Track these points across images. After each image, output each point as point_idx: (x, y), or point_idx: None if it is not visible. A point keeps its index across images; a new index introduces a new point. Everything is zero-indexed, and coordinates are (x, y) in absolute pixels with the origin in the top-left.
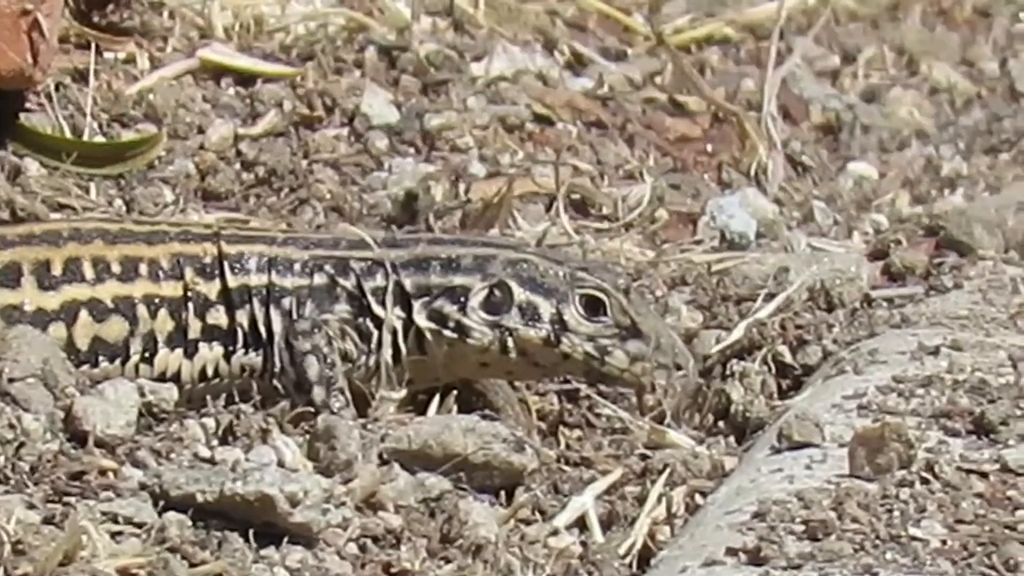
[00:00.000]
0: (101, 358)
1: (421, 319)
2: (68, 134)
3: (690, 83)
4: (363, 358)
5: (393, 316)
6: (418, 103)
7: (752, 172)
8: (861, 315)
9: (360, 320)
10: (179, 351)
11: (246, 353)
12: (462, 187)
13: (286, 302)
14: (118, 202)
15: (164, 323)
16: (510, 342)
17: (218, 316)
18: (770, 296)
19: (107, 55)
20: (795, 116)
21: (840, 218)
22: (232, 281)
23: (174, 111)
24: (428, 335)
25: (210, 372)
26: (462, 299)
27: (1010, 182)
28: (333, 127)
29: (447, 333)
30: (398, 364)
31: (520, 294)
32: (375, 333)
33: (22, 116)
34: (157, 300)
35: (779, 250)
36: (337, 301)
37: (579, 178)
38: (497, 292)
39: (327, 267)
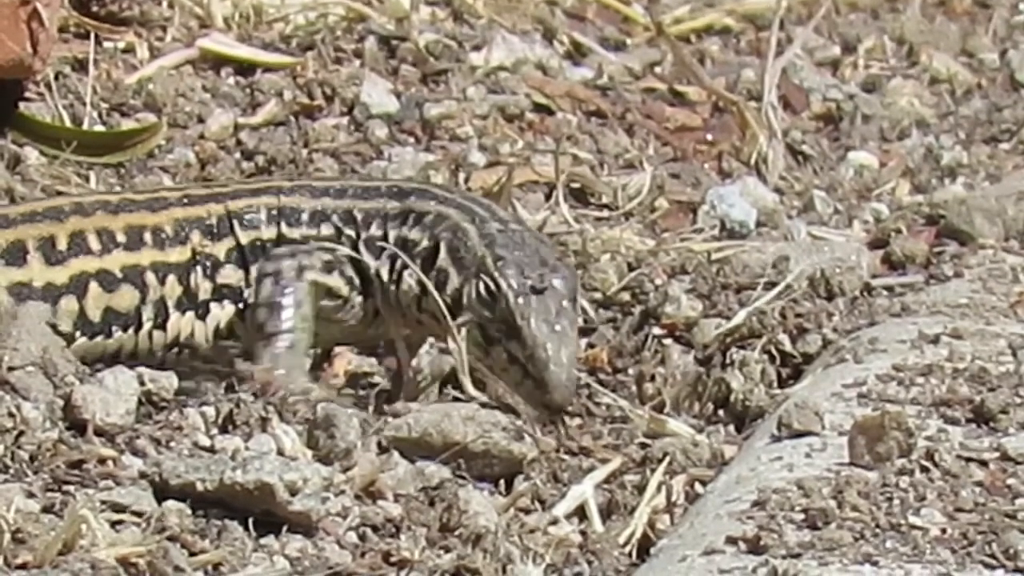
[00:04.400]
0: (114, 328)
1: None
2: (68, 123)
3: (690, 73)
4: (356, 297)
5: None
6: (418, 92)
7: (752, 161)
8: (861, 304)
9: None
10: (190, 313)
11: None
12: (462, 176)
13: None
14: (118, 191)
15: (173, 288)
16: None
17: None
18: (770, 285)
19: (107, 44)
20: (795, 106)
21: (840, 207)
22: (244, 237)
23: (174, 100)
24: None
25: (224, 331)
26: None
27: (1010, 171)
28: (333, 116)
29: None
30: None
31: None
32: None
33: (22, 105)
34: (166, 266)
35: (779, 239)
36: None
37: (579, 167)
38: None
39: (334, 218)
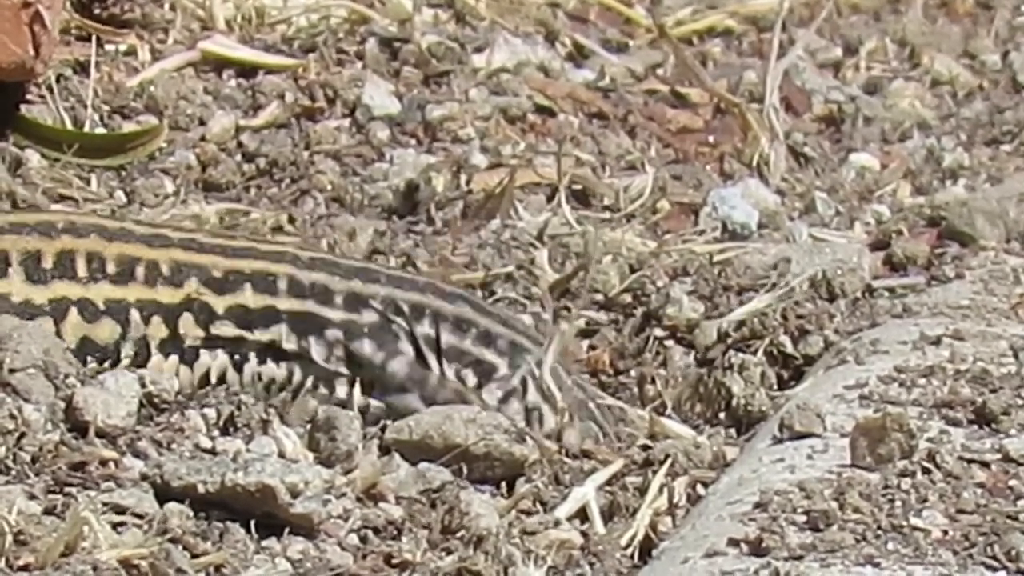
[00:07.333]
0: (90, 359)
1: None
2: (69, 126)
3: (692, 75)
4: None
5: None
6: (420, 94)
7: (754, 163)
8: (863, 305)
9: None
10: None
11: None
12: (463, 178)
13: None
14: (119, 193)
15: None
16: None
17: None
18: (772, 286)
19: (108, 47)
20: (797, 107)
21: (842, 209)
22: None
23: (175, 103)
24: None
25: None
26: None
27: (1011, 173)
28: (335, 118)
29: None
30: None
31: None
32: None
33: (23, 108)
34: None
35: (781, 240)
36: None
37: (581, 169)
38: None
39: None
